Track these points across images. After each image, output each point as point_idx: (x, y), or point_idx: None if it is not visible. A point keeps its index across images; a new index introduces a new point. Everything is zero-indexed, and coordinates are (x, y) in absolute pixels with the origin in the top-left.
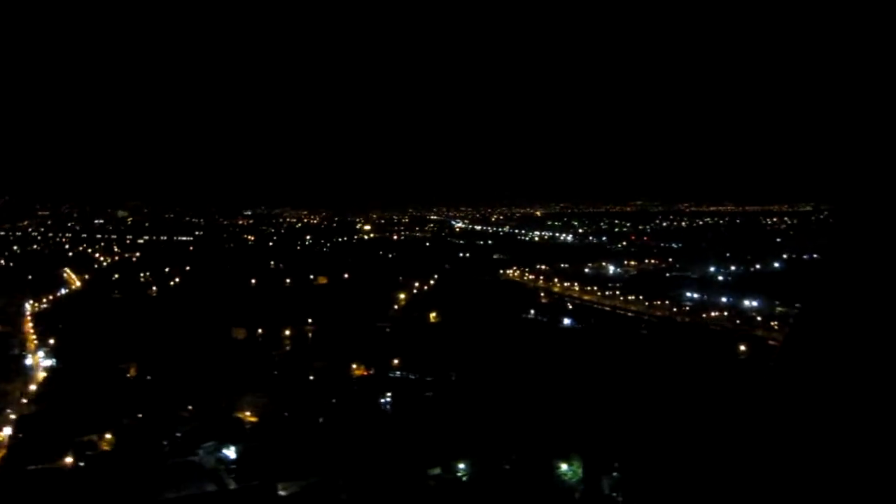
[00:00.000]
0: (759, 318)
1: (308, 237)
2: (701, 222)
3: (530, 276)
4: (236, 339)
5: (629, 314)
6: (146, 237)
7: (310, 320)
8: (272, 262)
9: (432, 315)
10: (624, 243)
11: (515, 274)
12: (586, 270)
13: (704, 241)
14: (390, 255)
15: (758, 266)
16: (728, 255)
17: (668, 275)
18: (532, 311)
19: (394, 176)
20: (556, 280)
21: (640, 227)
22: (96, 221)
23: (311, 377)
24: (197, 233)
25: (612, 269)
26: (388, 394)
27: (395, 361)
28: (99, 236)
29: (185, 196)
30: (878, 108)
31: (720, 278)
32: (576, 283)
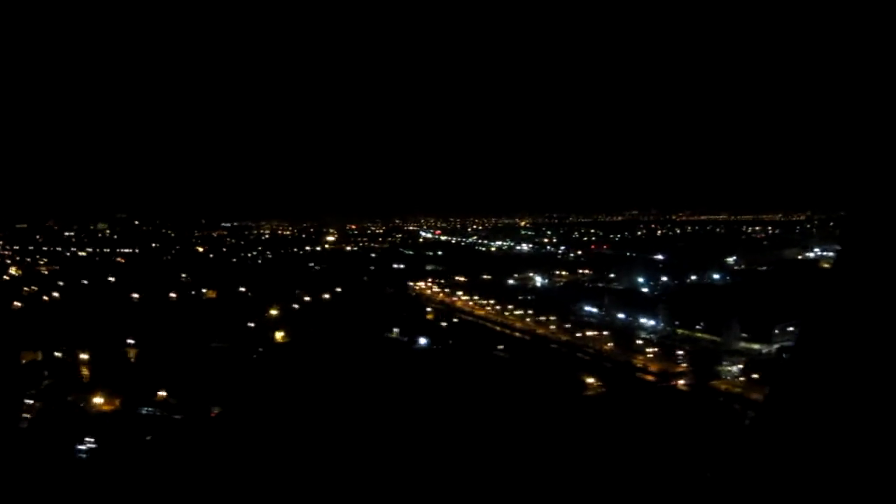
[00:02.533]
0: (639, 342)
1: (259, 248)
2: (679, 231)
3: (436, 290)
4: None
5: (513, 332)
6: (89, 249)
7: (131, 340)
8: (183, 275)
9: (279, 335)
10: (579, 252)
11: (425, 286)
12: (510, 282)
13: (667, 250)
14: (318, 267)
15: (694, 278)
16: (674, 264)
17: (589, 286)
18: (396, 330)
19: (391, 187)
20: (460, 293)
21: (611, 237)
22: (66, 234)
23: (28, 415)
24: (154, 245)
25: (539, 280)
26: (91, 439)
27: (163, 393)
28: (46, 249)
29: (179, 208)
30: (878, 116)
31: (644, 291)
32: (477, 296)
